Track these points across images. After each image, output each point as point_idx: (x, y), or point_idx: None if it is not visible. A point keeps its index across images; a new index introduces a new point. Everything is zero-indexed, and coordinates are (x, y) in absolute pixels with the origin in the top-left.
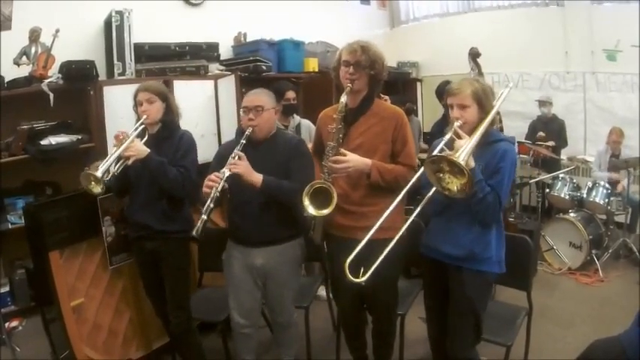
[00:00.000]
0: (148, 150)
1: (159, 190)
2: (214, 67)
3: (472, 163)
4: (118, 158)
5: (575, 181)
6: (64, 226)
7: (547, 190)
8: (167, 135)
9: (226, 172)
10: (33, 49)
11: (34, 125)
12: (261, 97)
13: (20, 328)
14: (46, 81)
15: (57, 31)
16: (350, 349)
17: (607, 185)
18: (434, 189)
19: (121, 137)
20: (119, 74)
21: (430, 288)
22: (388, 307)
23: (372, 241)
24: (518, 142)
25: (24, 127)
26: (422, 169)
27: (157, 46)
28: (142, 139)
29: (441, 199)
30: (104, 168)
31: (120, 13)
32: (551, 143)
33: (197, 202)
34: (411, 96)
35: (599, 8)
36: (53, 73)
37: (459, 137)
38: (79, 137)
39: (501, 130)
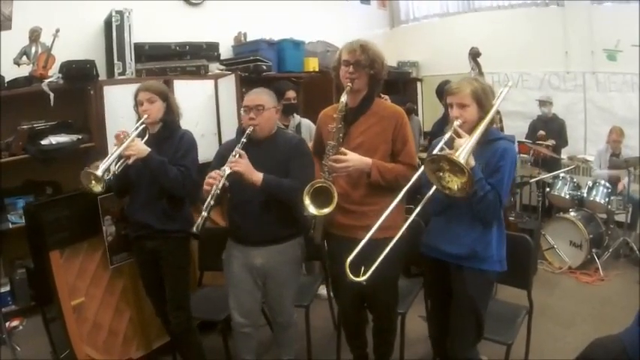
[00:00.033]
0: (149, 149)
1: (159, 189)
2: (214, 67)
3: (472, 162)
4: (119, 157)
5: (575, 180)
6: (64, 225)
7: (547, 190)
8: (168, 134)
9: (227, 169)
10: (33, 49)
11: (35, 125)
12: (262, 96)
13: (21, 327)
14: (47, 81)
15: (57, 30)
16: (350, 348)
17: (607, 184)
18: (434, 188)
19: (122, 137)
20: (119, 74)
21: (431, 287)
22: (388, 306)
23: (372, 240)
24: (518, 141)
25: (24, 127)
26: (422, 168)
27: (157, 46)
28: (142, 139)
29: (441, 199)
30: (104, 167)
31: (120, 12)
32: (551, 142)
33: (197, 201)
34: (411, 96)
35: (599, 8)
36: (53, 73)
37: (459, 136)
38: (80, 137)
39: (502, 129)
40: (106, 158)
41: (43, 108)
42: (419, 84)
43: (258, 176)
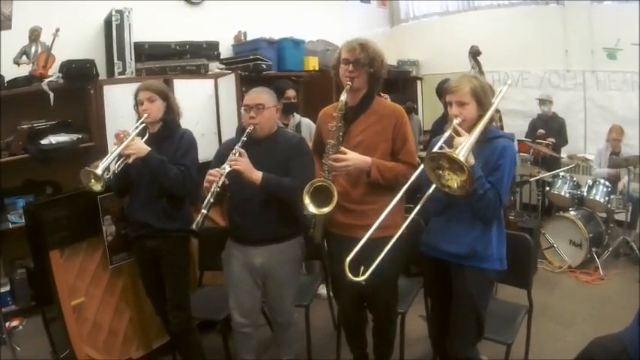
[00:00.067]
0: (149, 148)
1: (159, 188)
2: (214, 66)
3: (472, 160)
4: (119, 156)
5: (575, 179)
6: (64, 225)
7: (547, 189)
8: (168, 134)
9: (227, 167)
10: (33, 49)
11: (35, 125)
12: (262, 95)
13: (20, 327)
14: (46, 80)
15: (57, 30)
16: (350, 347)
17: (607, 183)
18: (433, 186)
19: (122, 136)
20: (119, 73)
21: (431, 287)
22: (388, 306)
23: (372, 239)
24: (518, 140)
25: (24, 127)
26: (421, 166)
27: (157, 45)
28: (142, 138)
29: (441, 198)
30: (104, 165)
31: (120, 12)
32: (550, 140)
33: (197, 200)
34: (411, 94)
35: (599, 7)
36: (53, 73)
37: (458, 134)
38: (79, 136)
39: (501, 128)
40: (106, 157)
41: (42, 107)
42: (419, 83)
43: (257, 175)
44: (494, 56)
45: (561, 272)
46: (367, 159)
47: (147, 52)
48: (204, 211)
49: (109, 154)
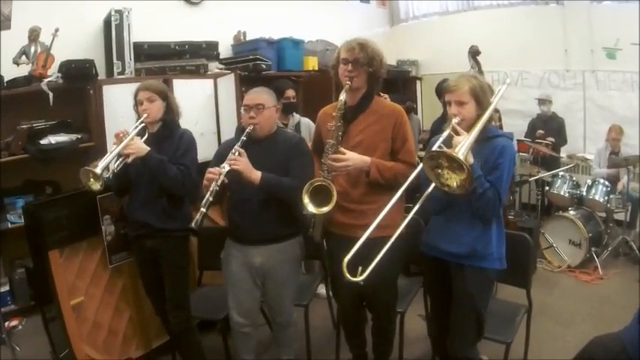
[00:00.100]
0: (148, 148)
1: (159, 188)
2: (214, 66)
3: (471, 159)
4: (118, 156)
5: (574, 178)
6: (63, 225)
7: (547, 188)
8: (167, 134)
9: (226, 166)
10: (32, 49)
11: (34, 125)
12: (262, 95)
13: (20, 327)
14: (46, 80)
15: (56, 30)
16: (350, 346)
17: (606, 183)
18: (433, 185)
19: (122, 135)
20: (119, 73)
21: (431, 286)
22: (388, 305)
23: (371, 239)
24: (518, 140)
25: (24, 127)
26: (420, 165)
27: (157, 45)
28: (142, 138)
29: (440, 198)
30: (103, 164)
31: (119, 12)
32: (550, 140)
33: (197, 200)
34: (410, 94)
35: (598, 7)
36: (53, 73)
37: (457, 134)
38: (79, 136)
39: (500, 128)
40: (105, 156)
41: (42, 107)
42: (418, 83)
43: (256, 175)
44: (494, 56)
45: (561, 272)
46: (366, 159)
47: (146, 52)
48: (203, 209)
49: (109, 154)
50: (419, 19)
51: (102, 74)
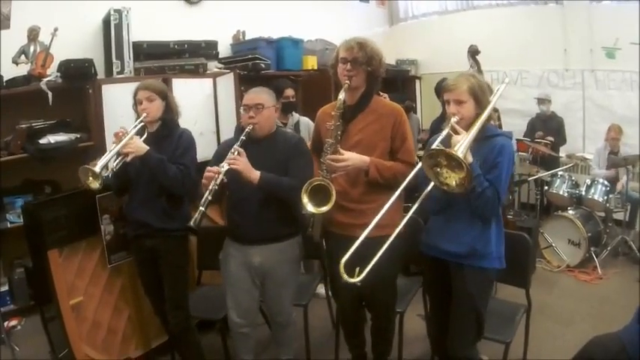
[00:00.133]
0: (147, 147)
1: (158, 187)
2: (213, 66)
3: (470, 158)
4: (117, 155)
5: (573, 178)
6: (62, 224)
7: (546, 188)
8: (167, 133)
9: (225, 166)
10: (32, 48)
11: (33, 124)
12: (261, 95)
13: (19, 327)
14: (45, 80)
15: (55, 29)
16: (349, 346)
17: (606, 183)
18: (432, 184)
19: (121, 135)
20: (118, 73)
21: (431, 286)
22: (387, 305)
23: (370, 238)
24: (517, 139)
25: (23, 126)
26: (419, 164)
27: (156, 45)
28: (141, 137)
29: (439, 197)
30: (102, 163)
31: (118, 11)
32: (549, 139)
33: (196, 199)
34: (410, 94)
35: (598, 6)
36: (52, 72)
37: (456, 133)
38: (78, 136)
39: (500, 127)
40: (105, 155)
41: (41, 107)
42: (418, 82)
43: (255, 174)
44: (493, 55)
45: (560, 271)
46: (365, 158)
47: (145, 52)
48: (201, 208)
49: (108, 153)
50: (418, 18)
51: (101, 74)
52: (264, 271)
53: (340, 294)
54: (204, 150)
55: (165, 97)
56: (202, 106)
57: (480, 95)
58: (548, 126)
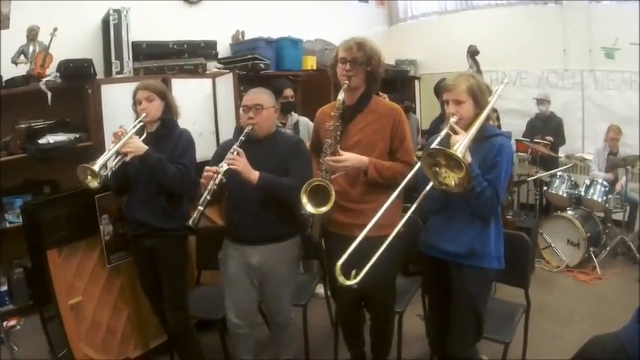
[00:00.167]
0: (147, 147)
1: (157, 187)
2: (212, 66)
3: (469, 158)
4: (117, 154)
5: (573, 178)
6: (62, 224)
7: (545, 188)
8: (166, 133)
9: (224, 165)
10: (31, 48)
11: (32, 124)
12: (261, 95)
13: (18, 327)
14: (44, 80)
15: (55, 29)
16: (348, 346)
17: (605, 183)
18: (431, 184)
19: (120, 134)
20: (117, 73)
21: (430, 286)
22: (386, 305)
23: (369, 238)
24: (516, 139)
25: (22, 126)
26: (418, 164)
27: (155, 45)
28: (140, 137)
29: (438, 197)
30: (101, 162)
31: (118, 11)
32: (548, 139)
33: (195, 199)
34: (409, 94)
35: (597, 6)
36: (51, 72)
37: (455, 133)
38: (77, 136)
39: (499, 128)
40: (104, 154)
41: (40, 107)
42: (417, 82)
43: (255, 174)
44: (493, 56)
45: (559, 272)
46: (364, 158)
47: (145, 52)
48: (200, 207)
49: (107, 152)
50: (417, 18)
51: (100, 74)
52: (264, 271)
53: (339, 294)
54: (204, 150)
55: (165, 97)
56: (201, 106)
57: (478, 95)
58: (547, 126)
